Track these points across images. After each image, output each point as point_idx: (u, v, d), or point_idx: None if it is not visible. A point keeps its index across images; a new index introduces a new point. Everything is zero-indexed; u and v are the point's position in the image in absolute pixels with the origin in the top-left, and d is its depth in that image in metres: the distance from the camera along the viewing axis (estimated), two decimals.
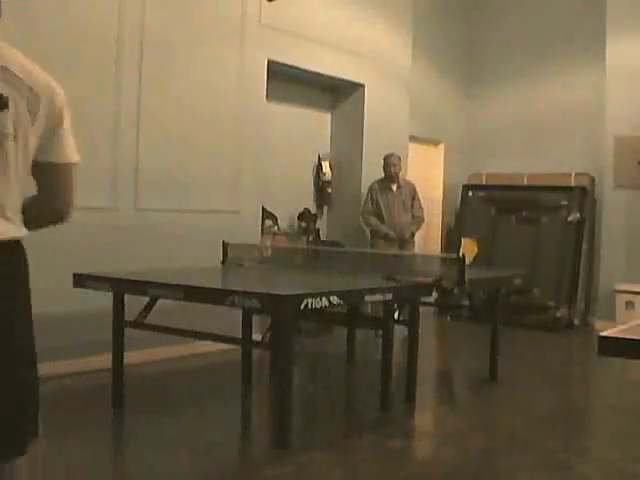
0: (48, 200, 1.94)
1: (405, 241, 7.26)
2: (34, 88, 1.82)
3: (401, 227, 7.27)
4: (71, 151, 1.94)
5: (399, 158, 7.37)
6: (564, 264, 7.99)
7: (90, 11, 5.09)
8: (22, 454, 1.83)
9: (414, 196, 7.39)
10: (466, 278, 4.38)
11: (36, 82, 1.83)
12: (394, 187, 7.34)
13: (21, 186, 1.82)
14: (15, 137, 1.77)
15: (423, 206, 7.52)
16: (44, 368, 4.81)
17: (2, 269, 1.75)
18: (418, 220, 7.40)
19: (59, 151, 1.91)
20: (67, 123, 1.93)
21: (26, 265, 1.84)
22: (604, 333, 2.34)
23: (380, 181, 7.36)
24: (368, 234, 7.46)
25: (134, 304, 4.24)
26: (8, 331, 1.77)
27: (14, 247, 1.80)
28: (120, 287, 4.13)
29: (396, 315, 4.76)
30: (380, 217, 7.31)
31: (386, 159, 7.31)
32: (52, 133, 1.88)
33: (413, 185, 7.50)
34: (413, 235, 7.35)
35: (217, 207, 6.04)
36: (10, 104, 1.77)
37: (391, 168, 7.28)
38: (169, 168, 5.62)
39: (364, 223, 7.45)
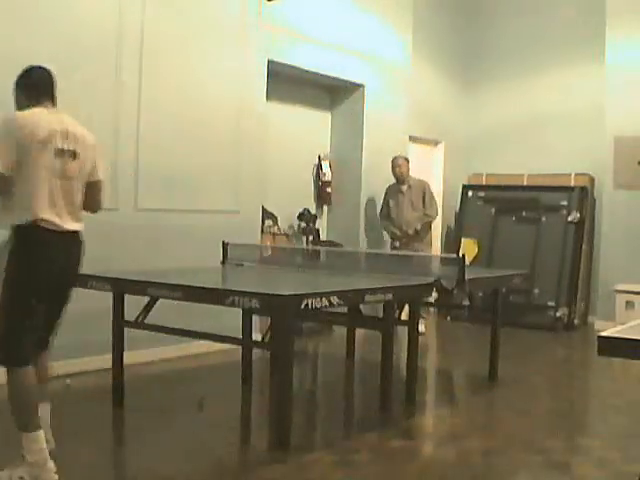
0: (91, 204, 3.41)
1: (411, 238, 7.28)
2: (86, 142, 3.30)
3: (406, 225, 7.31)
4: (102, 172, 3.43)
5: (405, 159, 7.44)
6: (564, 264, 7.99)
7: (90, 12, 5.09)
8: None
9: (424, 194, 7.39)
10: (466, 278, 4.38)
11: (84, 135, 3.30)
12: (404, 188, 7.40)
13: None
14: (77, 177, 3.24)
15: (434, 203, 7.50)
16: None
17: None
18: (422, 216, 7.36)
19: (97, 173, 3.39)
20: (99, 152, 3.43)
21: None
22: (604, 333, 2.34)
23: (392, 184, 7.49)
24: (388, 235, 7.58)
25: (134, 304, 4.25)
26: None
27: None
28: (120, 287, 4.13)
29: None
30: (391, 218, 7.44)
31: (392, 161, 7.42)
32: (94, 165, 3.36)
33: (424, 184, 7.51)
34: (417, 232, 7.32)
35: (217, 207, 6.03)
36: (78, 155, 3.23)
37: (396, 169, 7.38)
38: (169, 168, 5.62)
39: (380, 225, 7.62)
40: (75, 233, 3.25)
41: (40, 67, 3.29)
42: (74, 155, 3.19)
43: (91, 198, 3.37)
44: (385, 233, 7.66)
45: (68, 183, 3.18)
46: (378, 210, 7.63)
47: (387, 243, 7.72)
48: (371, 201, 7.78)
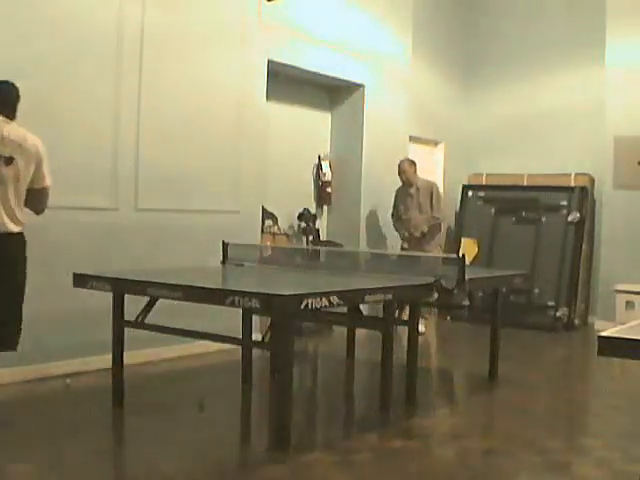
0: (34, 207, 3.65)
1: (417, 240, 7.28)
2: (25, 147, 3.43)
3: (414, 227, 7.33)
4: (48, 179, 3.60)
5: (410, 163, 7.45)
6: (564, 264, 7.99)
7: (90, 13, 5.09)
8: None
9: (431, 196, 7.39)
10: (466, 278, 4.38)
11: (27, 143, 3.43)
12: (412, 190, 7.41)
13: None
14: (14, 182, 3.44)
15: (441, 204, 7.47)
16: (45, 368, 4.81)
17: None
18: (429, 218, 7.35)
19: (41, 180, 3.57)
20: (45, 160, 3.55)
21: None
22: (604, 333, 2.35)
23: (401, 186, 7.51)
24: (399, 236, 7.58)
25: (134, 304, 4.24)
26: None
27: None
28: (120, 287, 4.13)
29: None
30: (401, 220, 7.46)
31: (398, 166, 7.43)
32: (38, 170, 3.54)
33: (432, 185, 7.50)
34: (424, 234, 7.32)
35: (217, 207, 6.03)
36: (14, 161, 3.40)
37: (402, 175, 7.41)
38: (169, 168, 5.62)
39: (393, 227, 7.62)
40: (15, 234, 3.44)
41: (7, 82, 3.52)
42: (9, 161, 3.35)
43: (37, 203, 3.57)
44: (390, 234, 7.67)
45: (2, 187, 3.36)
46: (389, 212, 7.61)
47: (388, 243, 7.73)
48: (371, 201, 7.78)
